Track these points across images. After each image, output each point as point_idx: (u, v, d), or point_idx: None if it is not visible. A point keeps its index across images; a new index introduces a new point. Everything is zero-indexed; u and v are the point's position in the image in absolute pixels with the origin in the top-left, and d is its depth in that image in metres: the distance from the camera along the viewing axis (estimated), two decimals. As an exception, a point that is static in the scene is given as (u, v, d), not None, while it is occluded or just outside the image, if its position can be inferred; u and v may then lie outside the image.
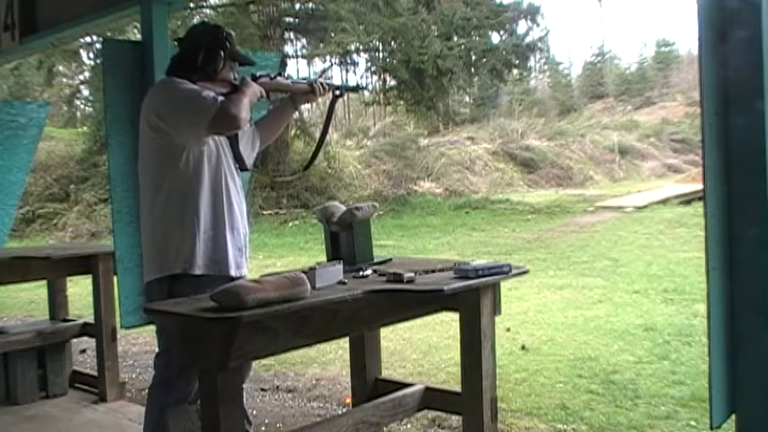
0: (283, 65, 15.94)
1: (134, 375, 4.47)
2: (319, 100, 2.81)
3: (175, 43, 2.66)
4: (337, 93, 2.77)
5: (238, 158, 2.57)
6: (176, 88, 2.41)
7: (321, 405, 3.80)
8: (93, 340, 3.95)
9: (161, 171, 2.42)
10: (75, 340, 4.21)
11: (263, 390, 4.08)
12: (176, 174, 2.40)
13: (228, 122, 2.35)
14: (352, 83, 3.11)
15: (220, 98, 2.38)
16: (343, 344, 3.63)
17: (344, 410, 3.41)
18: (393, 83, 17.99)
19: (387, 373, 3.19)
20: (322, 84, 2.71)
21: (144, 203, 2.52)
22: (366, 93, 18.45)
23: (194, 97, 2.36)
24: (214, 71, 2.49)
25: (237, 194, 2.55)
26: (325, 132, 3.00)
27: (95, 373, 3.98)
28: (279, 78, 2.62)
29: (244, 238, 2.56)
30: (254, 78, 2.53)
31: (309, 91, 2.68)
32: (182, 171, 2.40)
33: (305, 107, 18.55)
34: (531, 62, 27.22)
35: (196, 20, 14.23)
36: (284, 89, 2.67)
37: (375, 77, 18.93)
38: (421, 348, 4.84)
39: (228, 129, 2.42)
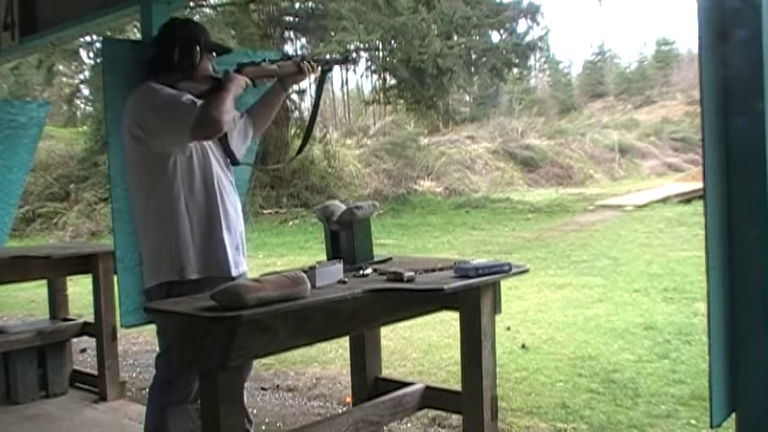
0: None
1: (134, 375, 4.48)
2: (311, 77, 2.71)
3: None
4: (326, 67, 2.70)
5: (228, 153, 2.53)
6: (154, 95, 2.35)
7: (321, 404, 3.80)
8: (94, 339, 3.95)
9: (149, 178, 2.39)
10: (75, 339, 4.21)
11: (263, 389, 4.08)
12: (165, 180, 2.36)
13: (210, 128, 2.28)
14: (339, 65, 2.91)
15: (200, 102, 2.31)
16: (344, 343, 3.63)
17: (345, 409, 3.42)
18: (393, 82, 17.99)
19: (387, 372, 3.19)
20: (309, 61, 2.63)
21: (136, 209, 2.49)
22: (366, 90, 18.44)
23: (173, 104, 2.30)
24: (192, 66, 2.45)
25: (231, 192, 2.53)
26: (315, 110, 2.85)
27: (96, 373, 3.98)
28: (264, 64, 2.56)
29: (240, 236, 2.55)
30: (239, 68, 2.48)
31: (297, 71, 2.61)
32: (170, 176, 2.36)
33: (304, 107, 18.58)
34: (532, 61, 27.28)
35: (196, 19, 14.22)
36: (270, 74, 2.59)
37: (375, 76, 18.93)
38: (421, 347, 4.84)
39: (211, 134, 2.35)
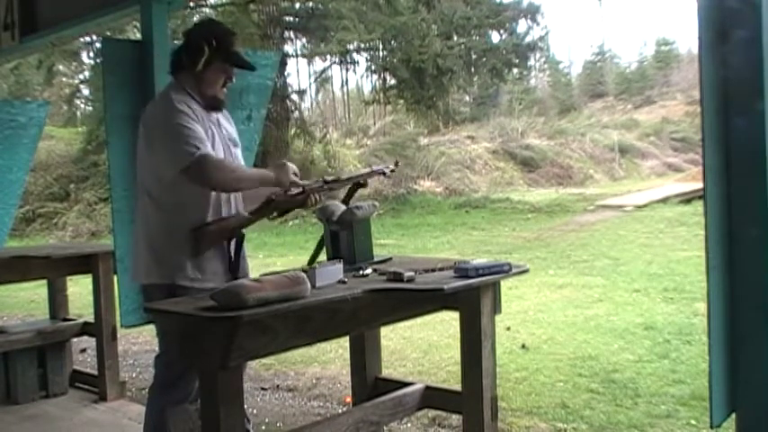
0: (283, 64, 15.94)
1: (134, 375, 4.47)
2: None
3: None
4: (362, 182, 2.62)
5: None
6: (167, 117, 2.29)
7: (321, 404, 3.80)
8: (94, 339, 3.95)
9: (158, 186, 2.36)
10: (75, 339, 4.21)
11: (263, 389, 4.08)
12: (173, 190, 2.33)
13: (202, 180, 2.25)
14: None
15: (206, 149, 2.25)
16: (344, 343, 3.63)
17: (345, 409, 3.42)
18: (393, 82, 18.01)
19: (387, 372, 3.19)
20: (317, 196, 2.46)
21: (141, 211, 2.45)
22: (366, 90, 18.51)
23: (176, 139, 2.25)
24: (194, 65, 2.35)
25: (238, 198, 2.49)
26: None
27: (96, 373, 3.98)
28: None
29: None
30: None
31: (302, 203, 2.46)
32: (179, 188, 2.32)
33: (305, 106, 18.56)
34: (531, 61, 27.28)
35: (195, 19, 14.23)
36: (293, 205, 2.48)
37: (375, 76, 18.95)
38: (421, 347, 4.84)
39: (202, 185, 2.28)
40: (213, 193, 2.37)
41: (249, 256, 2.63)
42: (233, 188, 2.35)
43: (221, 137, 2.47)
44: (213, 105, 2.45)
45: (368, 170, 2.70)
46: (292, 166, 2.44)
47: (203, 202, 2.36)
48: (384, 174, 2.72)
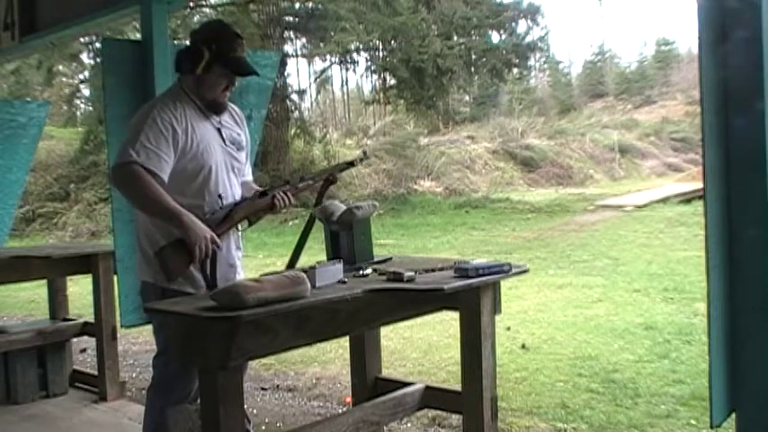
0: (283, 64, 15.94)
1: (134, 374, 4.48)
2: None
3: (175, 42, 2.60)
4: (331, 178, 2.59)
5: None
6: (140, 119, 2.27)
7: (321, 404, 3.80)
8: (94, 339, 3.95)
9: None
10: (75, 339, 4.21)
11: (263, 389, 4.08)
12: (176, 190, 2.29)
13: (116, 183, 2.29)
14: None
15: (148, 163, 2.18)
16: (344, 343, 3.63)
17: (345, 409, 3.42)
18: (393, 82, 18.03)
19: (387, 372, 3.19)
20: (284, 196, 2.43)
21: (133, 212, 2.47)
22: (366, 90, 18.50)
23: (129, 139, 2.23)
24: (192, 70, 2.32)
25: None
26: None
27: (96, 373, 3.98)
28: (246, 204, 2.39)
29: (237, 252, 2.52)
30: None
31: (270, 206, 2.43)
32: (177, 188, 2.29)
33: (305, 106, 18.57)
34: (531, 61, 27.29)
35: (196, 19, 14.25)
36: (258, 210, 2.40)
37: (375, 76, 18.97)
38: (421, 347, 4.84)
39: (115, 188, 2.33)
40: (191, 197, 2.32)
41: (249, 256, 2.62)
42: (137, 206, 2.30)
43: (221, 139, 2.43)
44: (213, 109, 2.41)
45: (334, 165, 2.68)
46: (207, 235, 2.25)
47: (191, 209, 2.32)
48: (353, 164, 2.71)
